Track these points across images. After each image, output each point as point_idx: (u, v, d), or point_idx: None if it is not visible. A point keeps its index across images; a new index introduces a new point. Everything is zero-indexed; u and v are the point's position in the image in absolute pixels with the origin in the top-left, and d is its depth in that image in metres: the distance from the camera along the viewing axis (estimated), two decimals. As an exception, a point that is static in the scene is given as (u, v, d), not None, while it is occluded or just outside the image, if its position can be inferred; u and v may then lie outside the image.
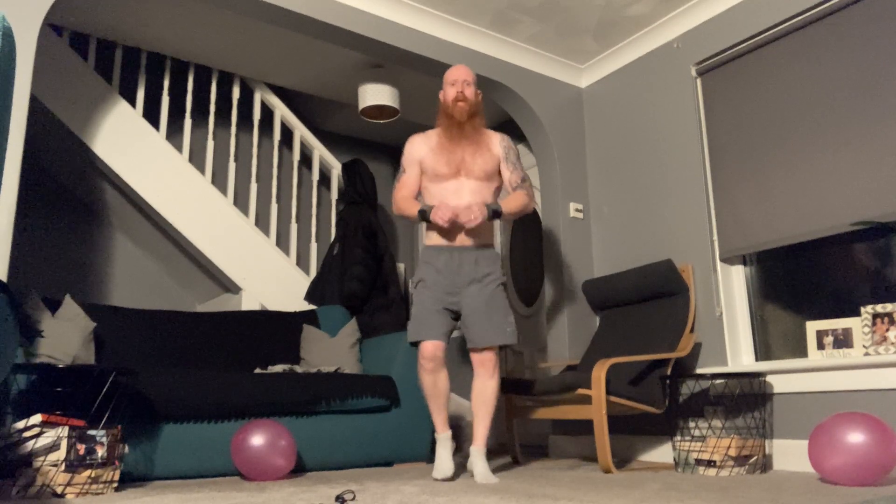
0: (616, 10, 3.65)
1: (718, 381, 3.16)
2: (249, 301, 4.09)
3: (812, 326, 2.90)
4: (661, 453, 3.39)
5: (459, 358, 4.66)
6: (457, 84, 2.79)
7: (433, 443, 3.45)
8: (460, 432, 4.12)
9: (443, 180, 2.75)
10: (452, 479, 2.60)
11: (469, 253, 2.71)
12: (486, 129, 2.85)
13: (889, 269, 2.83)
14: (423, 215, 2.68)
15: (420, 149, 2.82)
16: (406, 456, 3.25)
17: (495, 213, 2.68)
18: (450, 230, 2.71)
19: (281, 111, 4.58)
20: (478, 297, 2.67)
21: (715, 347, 3.29)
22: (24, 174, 4.10)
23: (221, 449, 2.75)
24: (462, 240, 2.72)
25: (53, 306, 2.98)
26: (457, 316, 2.72)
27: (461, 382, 4.45)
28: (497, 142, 2.83)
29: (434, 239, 2.77)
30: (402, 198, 2.80)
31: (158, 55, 4.40)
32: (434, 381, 2.66)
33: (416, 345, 2.69)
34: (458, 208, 2.63)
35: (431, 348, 2.62)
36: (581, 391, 2.85)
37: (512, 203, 2.75)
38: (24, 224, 4.04)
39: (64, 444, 2.11)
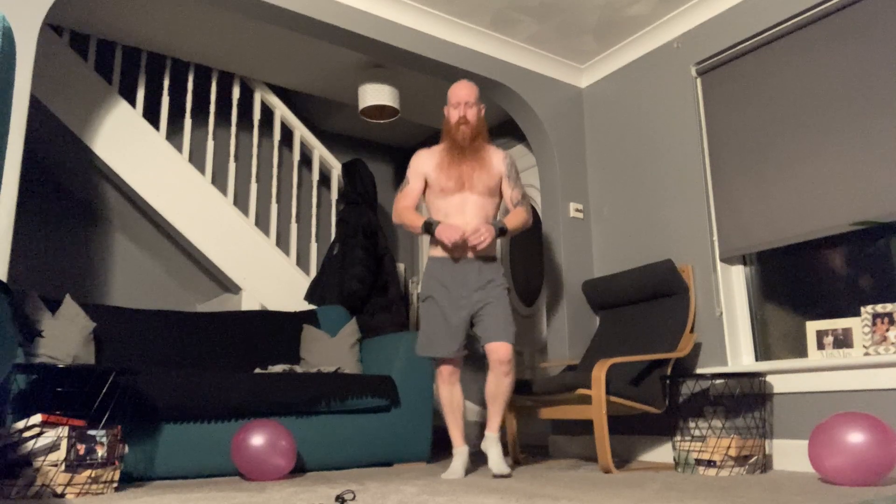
0: (616, 10, 3.65)
1: (718, 381, 3.16)
2: (249, 301, 4.09)
3: (812, 326, 2.90)
4: (661, 453, 3.39)
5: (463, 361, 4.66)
6: (459, 107, 2.90)
7: (433, 443, 3.45)
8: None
9: (448, 195, 2.87)
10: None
11: (472, 263, 2.84)
12: (488, 145, 2.97)
13: (889, 269, 2.83)
14: (428, 228, 2.81)
15: (426, 164, 2.95)
16: (406, 456, 3.25)
17: (502, 232, 2.84)
18: (455, 247, 2.82)
19: (281, 111, 4.58)
20: (485, 298, 2.81)
21: (715, 347, 3.29)
22: (24, 174, 4.10)
23: (221, 449, 2.75)
24: (465, 252, 2.84)
25: (53, 306, 2.98)
26: (469, 325, 2.85)
27: (462, 382, 4.44)
28: (500, 159, 2.96)
29: (438, 251, 2.89)
30: (405, 207, 2.93)
31: (158, 55, 4.40)
32: (451, 392, 2.85)
33: (433, 360, 2.88)
34: (466, 232, 2.76)
35: (450, 367, 2.85)
36: (581, 391, 2.85)
37: (515, 220, 2.90)
38: (24, 224, 4.04)
39: (64, 444, 2.11)
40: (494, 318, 2.77)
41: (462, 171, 2.86)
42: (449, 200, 2.87)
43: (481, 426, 4.25)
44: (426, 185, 2.94)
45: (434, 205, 2.92)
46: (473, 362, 4.52)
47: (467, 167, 2.86)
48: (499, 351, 2.76)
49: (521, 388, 3.19)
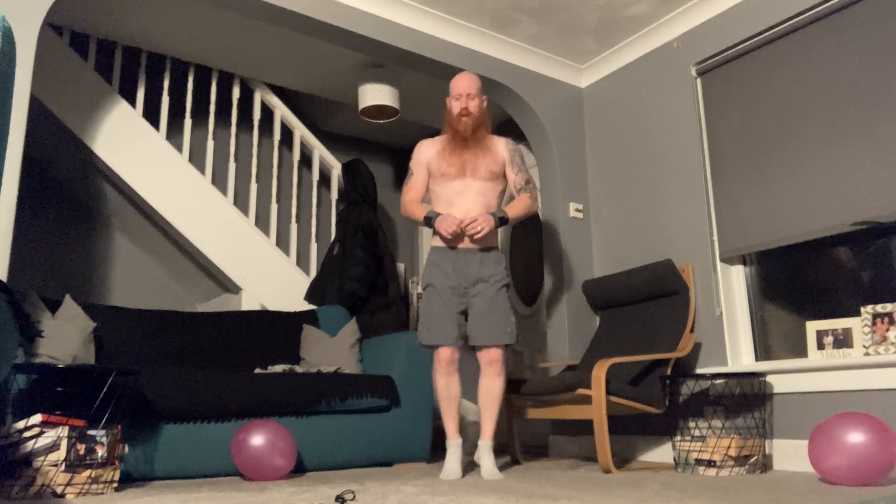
0: (616, 10, 3.65)
1: (718, 381, 3.16)
2: (249, 301, 4.09)
3: (812, 326, 2.90)
4: (661, 453, 3.39)
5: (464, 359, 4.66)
6: (461, 98, 2.88)
7: (433, 443, 3.45)
8: (461, 431, 4.12)
9: (449, 181, 2.85)
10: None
11: (474, 254, 2.81)
12: (491, 135, 2.94)
13: (889, 269, 2.83)
14: (429, 222, 2.80)
15: (427, 152, 2.94)
16: (406, 456, 3.25)
17: (502, 221, 2.80)
18: (453, 238, 2.80)
19: (281, 111, 4.58)
20: (482, 296, 2.78)
21: (715, 347, 3.29)
22: (24, 174, 4.10)
23: (221, 449, 2.75)
24: (467, 242, 2.81)
25: (53, 306, 2.98)
26: (466, 316, 2.82)
27: (463, 382, 4.44)
28: (503, 145, 2.93)
29: (439, 241, 2.86)
30: (410, 200, 2.92)
31: (158, 55, 4.40)
32: (448, 383, 2.79)
33: (431, 347, 2.81)
34: (463, 222, 2.73)
35: (448, 353, 2.77)
36: (581, 391, 2.85)
37: (517, 207, 2.87)
38: (24, 224, 4.04)
39: (64, 444, 2.11)
40: (486, 319, 2.75)
41: (464, 159, 2.84)
42: (449, 186, 2.84)
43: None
44: (429, 174, 2.92)
45: (435, 192, 2.90)
46: (475, 362, 4.52)
47: (469, 154, 2.84)
48: (489, 353, 2.77)
49: (521, 388, 3.19)
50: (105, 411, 2.33)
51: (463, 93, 2.88)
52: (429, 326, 2.79)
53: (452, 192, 2.84)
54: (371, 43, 3.58)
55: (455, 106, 2.89)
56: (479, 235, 2.72)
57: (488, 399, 2.79)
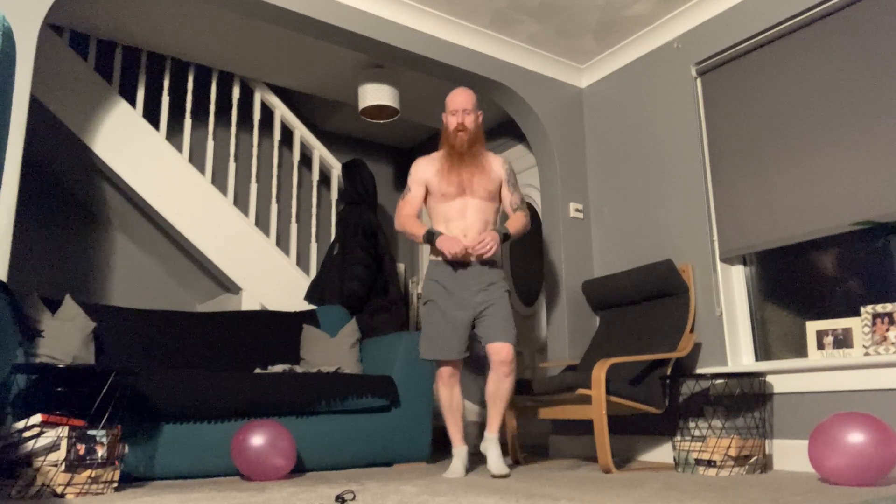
0: (616, 10, 3.65)
1: (718, 381, 3.16)
2: (249, 301, 4.09)
3: (812, 326, 2.90)
4: (661, 453, 3.39)
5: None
6: (457, 114, 2.94)
7: (433, 443, 3.46)
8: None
9: (448, 200, 2.91)
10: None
11: (474, 268, 2.87)
12: (486, 152, 3.01)
13: (889, 269, 2.83)
14: (430, 238, 2.84)
15: (426, 170, 2.98)
16: (406, 456, 3.25)
17: (505, 237, 2.88)
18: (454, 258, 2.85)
19: (281, 111, 4.58)
20: (486, 300, 2.83)
21: (715, 347, 3.29)
22: (24, 174, 4.10)
23: (221, 449, 2.75)
24: (467, 257, 2.86)
25: (53, 306, 2.98)
26: (471, 326, 2.87)
27: (462, 383, 4.44)
28: (499, 164, 3.00)
29: (439, 255, 2.91)
30: (406, 216, 2.97)
31: (158, 55, 4.40)
32: (450, 394, 2.87)
33: (434, 362, 2.89)
34: (468, 246, 2.78)
35: (450, 367, 2.86)
36: (581, 391, 2.85)
37: (516, 224, 2.95)
38: (24, 224, 4.04)
39: (64, 444, 2.11)
40: (496, 319, 2.80)
41: (462, 177, 2.89)
42: (450, 205, 2.90)
43: (481, 426, 4.25)
44: (427, 191, 2.98)
45: (435, 210, 2.95)
46: (473, 363, 4.52)
47: (467, 172, 2.90)
48: (500, 352, 2.79)
49: (522, 388, 3.19)
50: (105, 411, 2.33)
51: (459, 108, 2.93)
52: (430, 341, 2.85)
53: (452, 210, 2.89)
54: (371, 43, 3.58)
55: (451, 121, 2.95)
56: (488, 254, 2.79)
57: (496, 397, 2.83)
